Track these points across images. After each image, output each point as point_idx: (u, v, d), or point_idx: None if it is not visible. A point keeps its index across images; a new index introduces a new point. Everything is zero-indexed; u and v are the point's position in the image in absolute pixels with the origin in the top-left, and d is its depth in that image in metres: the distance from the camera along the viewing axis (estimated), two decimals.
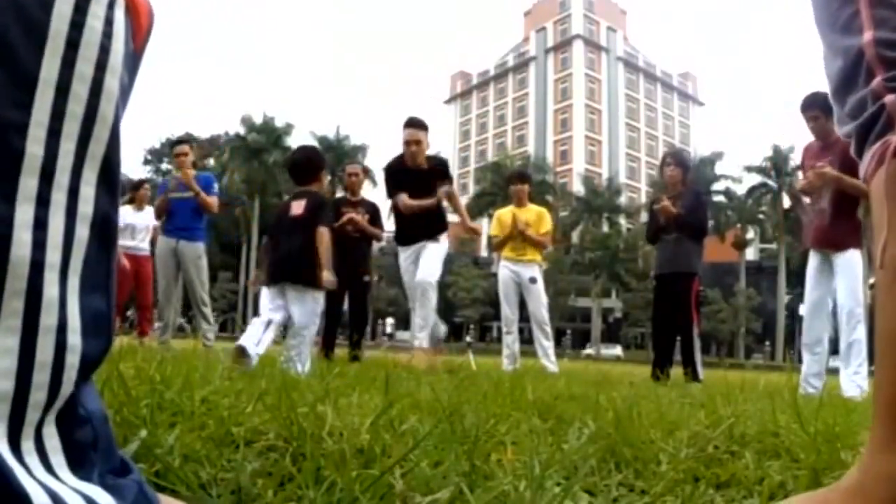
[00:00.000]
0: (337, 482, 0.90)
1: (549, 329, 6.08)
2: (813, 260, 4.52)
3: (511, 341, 6.10)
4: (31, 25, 0.43)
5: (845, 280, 4.30)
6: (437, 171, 5.40)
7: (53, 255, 0.44)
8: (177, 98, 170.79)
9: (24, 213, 0.43)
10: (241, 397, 1.48)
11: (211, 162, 52.34)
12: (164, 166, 56.73)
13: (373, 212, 6.18)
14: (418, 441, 1.10)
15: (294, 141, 47.63)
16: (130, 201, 7.59)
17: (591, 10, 77.80)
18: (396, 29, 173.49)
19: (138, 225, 7.44)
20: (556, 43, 78.18)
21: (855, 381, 4.20)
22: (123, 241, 7.50)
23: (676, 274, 5.42)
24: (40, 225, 0.44)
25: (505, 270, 6.18)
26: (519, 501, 0.92)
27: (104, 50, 0.47)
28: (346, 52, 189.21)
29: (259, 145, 45.57)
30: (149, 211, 7.48)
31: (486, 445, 1.28)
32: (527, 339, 6.45)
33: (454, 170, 76.17)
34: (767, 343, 47.39)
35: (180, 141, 7.15)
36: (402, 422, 1.36)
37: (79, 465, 0.48)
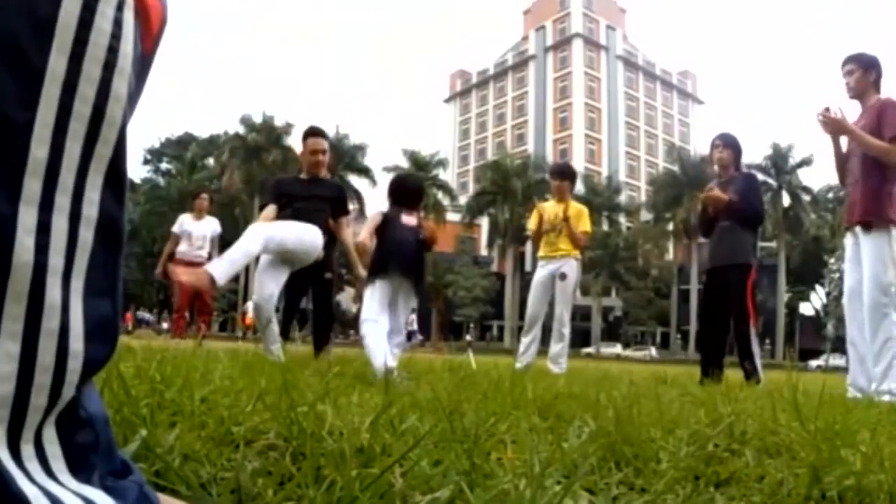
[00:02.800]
0: (337, 481, 0.90)
1: (566, 332, 5.76)
2: (848, 242, 4.28)
3: (529, 341, 5.84)
4: (40, 24, 0.43)
5: (870, 267, 4.00)
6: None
7: (56, 260, 0.44)
8: (177, 98, 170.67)
9: (27, 217, 0.42)
10: (241, 397, 1.47)
11: (210, 161, 52.37)
12: (164, 166, 56.81)
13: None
14: (418, 440, 1.10)
15: (294, 141, 47.60)
16: (189, 209, 7.89)
17: (591, 8, 77.73)
18: (396, 28, 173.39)
19: (195, 233, 7.62)
20: (556, 41, 78.12)
21: (889, 388, 3.76)
22: (181, 247, 7.64)
23: (731, 266, 4.96)
24: (43, 228, 0.43)
25: (540, 270, 5.92)
26: (519, 500, 0.92)
27: (112, 51, 0.46)
28: (345, 52, 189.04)
29: (258, 145, 45.51)
30: (209, 221, 7.74)
31: (486, 444, 1.28)
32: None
33: (454, 168, 76.26)
34: (767, 341, 47.35)
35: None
36: (402, 421, 1.36)
37: (79, 468, 0.48)
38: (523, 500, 0.91)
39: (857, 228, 4.15)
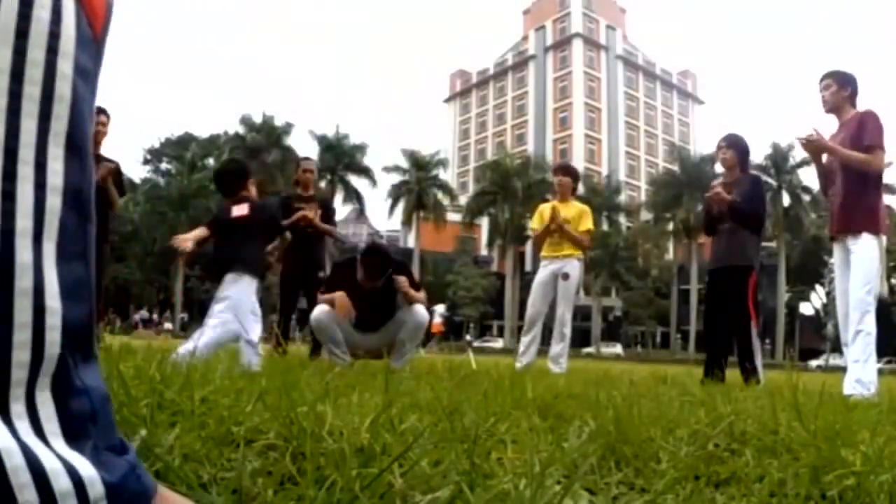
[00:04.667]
0: (337, 481, 0.90)
1: (567, 331, 5.73)
2: (836, 252, 4.40)
3: (528, 341, 5.80)
4: None
5: (858, 266, 4.12)
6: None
7: (24, 223, 0.47)
8: (177, 98, 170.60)
9: None
10: (240, 397, 1.47)
11: (210, 161, 52.32)
12: (164, 166, 56.78)
13: (325, 207, 6.03)
14: (416, 438, 1.10)
15: (294, 140, 47.61)
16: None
17: (591, 8, 77.72)
18: (396, 28, 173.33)
19: None
20: (556, 41, 78.10)
21: (858, 377, 3.93)
22: None
23: (732, 268, 5.01)
24: (8, 196, 0.47)
25: (542, 270, 5.89)
26: (519, 500, 0.92)
27: (54, 36, 0.50)
28: (345, 51, 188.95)
29: (258, 145, 45.48)
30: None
31: (486, 444, 1.28)
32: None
33: (454, 168, 76.28)
34: (767, 341, 47.34)
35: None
36: (402, 421, 1.36)
37: (74, 436, 0.50)
38: (523, 500, 0.91)
39: (847, 237, 4.27)
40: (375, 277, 4.30)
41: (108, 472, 0.51)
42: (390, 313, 4.39)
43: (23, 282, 0.46)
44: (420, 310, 4.34)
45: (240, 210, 4.23)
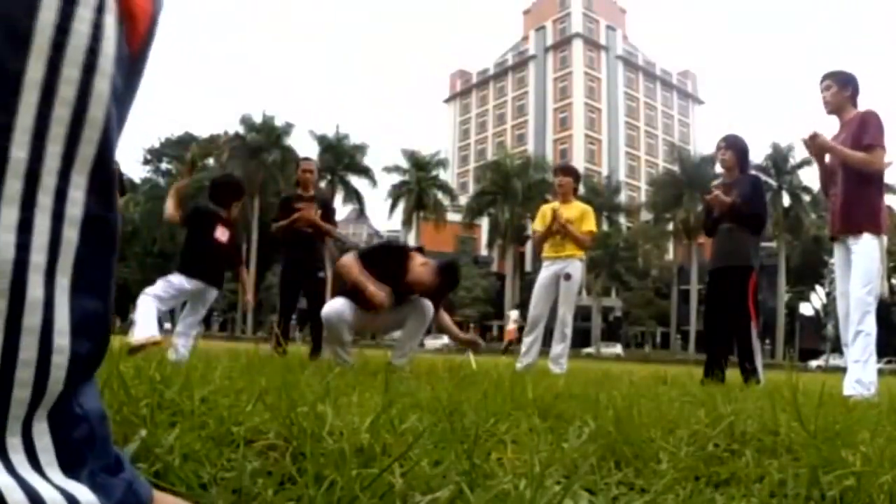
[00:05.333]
0: (337, 481, 0.90)
1: (568, 332, 5.73)
2: (836, 252, 4.39)
3: (531, 342, 5.77)
4: (15, 31, 0.43)
5: (859, 266, 4.11)
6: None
7: (38, 257, 0.45)
8: (177, 98, 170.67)
9: (8, 215, 0.43)
10: (241, 397, 1.47)
11: (211, 161, 52.28)
12: (164, 166, 56.77)
13: (325, 207, 6.02)
14: (416, 438, 1.10)
15: (294, 140, 47.60)
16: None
17: (591, 8, 77.72)
18: (396, 28, 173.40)
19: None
20: (556, 41, 78.10)
21: (858, 377, 3.92)
22: None
23: (731, 268, 5.02)
24: (25, 227, 0.44)
25: (544, 271, 5.87)
26: (519, 500, 0.92)
27: (92, 53, 0.46)
28: (345, 51, 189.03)
29: (258, 145, 45.48)
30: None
31: (486, 444, 1.28)
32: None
33: (454, 168, 76.25)
34: (767, 341, 47.35)
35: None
36: (402, 421, 1.36)
37: (71, 464, 0.49)
38: (523, 500, 0.91)
39: (848, 237, 4.27)
40: (440, 294, 4.40)
41: (107, 496, 0.50)
42: (402, 300, 4.42)
43: (31, 319, 0.45)
44: (427, 304, 4.35)
45: (223, 234, 4.97)
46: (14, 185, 0.44)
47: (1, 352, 0.44)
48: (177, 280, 4.87)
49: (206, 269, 4.93)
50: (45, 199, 0.45)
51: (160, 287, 4.80)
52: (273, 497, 0.89)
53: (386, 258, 4.31)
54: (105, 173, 0.48)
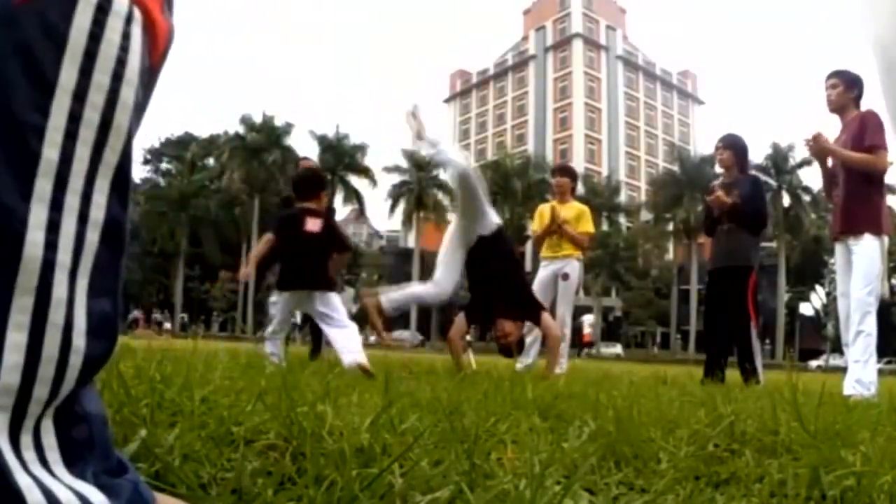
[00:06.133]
0: (337, 481, 0.90)
1: (567, 332, 5.70)
2: (837, 252, 4.39)
3: (530, 342, 5.69)
4: (52, 37, 0.45)
5: (860, 267, 4.11)
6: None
7: (64, 257, 0.46)
8: (176, 98, 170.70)
9: (38, 214, 0.45)
10: (241, 397, 1.47)
11: (210, 161, 52.33)
12: (164, 166, 56.81)
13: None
14: (416, 438, 1.10)
15: (294, 140, 47.58)
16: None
17: (591, 8, 77.71)
18: (396, 28, 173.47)
19: None
20: (556, 41, 78.09)
21: (858, 377, 3.93)
22: None
23: (731, 268, 5.02)
24: (53, 227, 0.46)
25: (542, 270, 5.89)
26: (519, 500, 0.92)
27: (121, 62, 0.48)
28: (345, 51, 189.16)
29: (259, 145, 45.48)
30: None
31: (486, 444, 1.28)
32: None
33: None
34: (767, 341, 47.36)
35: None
36: (402, 421, 1.36)
37: (73, 462, 0.49)
38: (523, 500, 0.91)
39: (849, 237, 4.26)
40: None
41: (115, 497, 0.51)
42: None
43: (56, 317, 0.46)
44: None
45: (314, 224, 4.50)
46: (45, 185, 0.45)
47: (26, 350, 0.45)
48: (274, 298, 4.64)
49: (298, 275, 4.43)
50: (72, 201, 0.46)
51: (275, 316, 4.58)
52: (273, 497, 0.89)
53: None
54: (124, 179, 0.50)
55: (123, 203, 0.50)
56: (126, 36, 0.49)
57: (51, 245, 0.45)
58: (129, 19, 0.49)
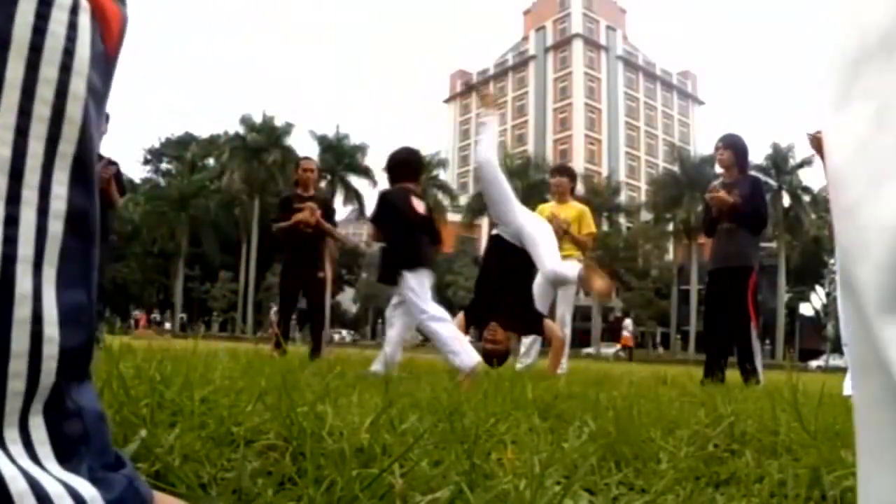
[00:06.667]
0: (337, 481, 0.90)
1: (567, 332, 5.60)
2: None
3: (530, 342, 5.69)
4: None
5: None
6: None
7: (26, 250, 0.46)
8: (177, 98, 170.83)
9: None
10: (241, 397, 1.47)
11: (210, 161, 52.33)
12: (164, 166, 56.82)
13: (325, 207, 6.03)
14: (416, 438, 1.10)
15: (294, 140, 47.57)
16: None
17: (591, 8, 77.70)
18: (396, 28, 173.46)
19: None
20: (556, 42, 78.09)
21: None
22: None
23: (731, 269, 5.01)
24: (11, 221, 0.46)
25: None
26: (519, 500, 0.92)
27: (68, 53, 0.48)
28: (345, 51, 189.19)
29: (259, 145, 45.48)
30: None
31: (486, 444, 1.28)
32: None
33: (454, 168, 76.26)
34: (767, 342, 47.35)
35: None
36: (402, 421, 1.36)
37: (67, 458, 0.49)
38: (523, 500, 0.91)
39: None
40: None
41: (108, 491, 0.51)
42: None
43: (22, 311, 0.46)
44: None
45: (419, 205, 4.31)
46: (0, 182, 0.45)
47: None
48: (412, 283, 3.93)
49: (413, 253, 4.08)
50: (29, 194, 0.47)
51: (417, 302, 3.89)
52: (273, 497, 0.89)
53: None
54: (85, 168, 0.50)
55: (87, 192, 0.50)
56: (73, 26, 0.48)
57: (10, 239, 0.45)
58: (74, 9, 0.49)
